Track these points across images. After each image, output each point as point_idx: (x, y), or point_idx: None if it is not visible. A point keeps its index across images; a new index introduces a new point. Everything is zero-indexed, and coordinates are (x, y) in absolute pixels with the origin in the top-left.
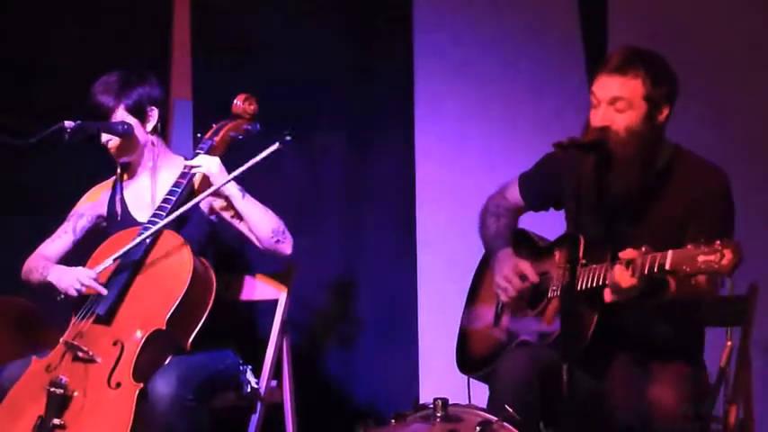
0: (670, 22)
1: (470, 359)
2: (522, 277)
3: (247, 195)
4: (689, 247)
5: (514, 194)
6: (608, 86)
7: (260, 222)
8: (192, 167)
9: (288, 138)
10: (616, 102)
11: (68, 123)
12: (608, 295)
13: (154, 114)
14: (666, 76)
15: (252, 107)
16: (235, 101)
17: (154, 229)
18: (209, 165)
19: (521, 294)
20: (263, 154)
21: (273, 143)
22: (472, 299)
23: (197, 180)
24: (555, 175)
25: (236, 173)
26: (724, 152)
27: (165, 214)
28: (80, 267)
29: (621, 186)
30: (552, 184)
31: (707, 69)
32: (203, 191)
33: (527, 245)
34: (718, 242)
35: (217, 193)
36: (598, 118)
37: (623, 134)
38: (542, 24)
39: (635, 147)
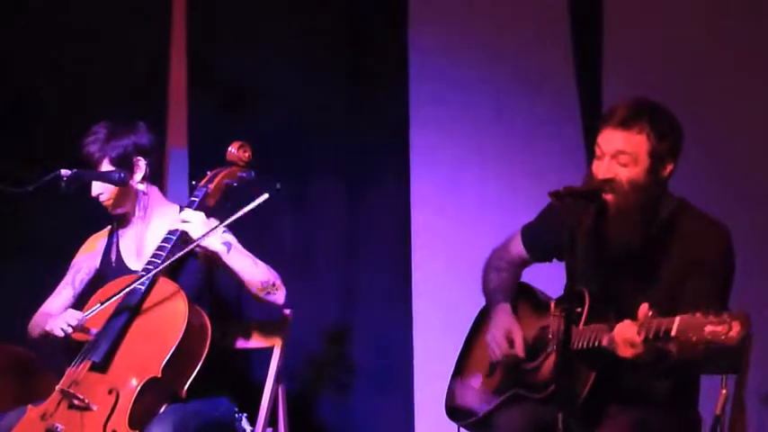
0: (665, 72)
1: (461, 407)
2: (510, 342)
3: (234, 249)
4: (697, 315)
5: (518, 247)
6: (612, 140)
7: (249, 276)
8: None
9: (278, 187)
10: (619, 155)
11: (65, 172)
12: (607, 344)
13: (141, 165)
14: (672, 131)
15: (246, 154)
16: (229, 148)
17: (146, 276)
18: (193, 222)
19: (506, 359)
20: (253, 204)
21: (262, 193)
22: (468, 347)
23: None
24: (557, 226)
25: (224, 222)
26: (723, 202)
27: (155, 269)
28: (69, 309)
29: (621, 240)
30: (554, 234)
31: (702, 121)
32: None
33: (529, 299)
34: (727, 314)
35: (203, 249)
36: (602, 170)
37: (626, 186)
38: (538, 74)
39: (636, 199)
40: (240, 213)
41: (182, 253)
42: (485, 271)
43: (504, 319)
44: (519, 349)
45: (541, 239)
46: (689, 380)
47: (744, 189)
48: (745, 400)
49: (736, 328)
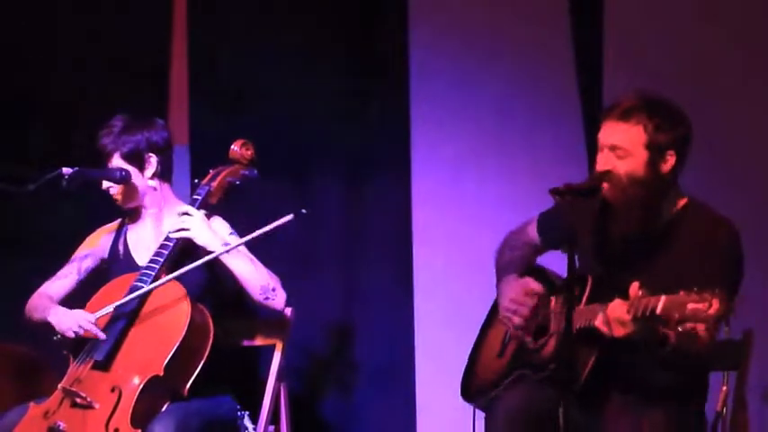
0: (666, 70)
1: (473, 387)
2: (531, 294)
3: (234, 251)
4: (681, 293)
5: (533, 231)
6: (610, 133)
7: (248, 279)
8: (178, 228)
9: (303, 211)
10: (616, 149)
11: (66, 170)
12: (600, 323)
13: (152, 161)
14: (673, 123)
15: (249, 152)
16: (232, 146)
17: (153, 286)
18: (194, 227)
19: (535, 314)
20: (276, 224)
21: (288, 214)
22: (485, 329)
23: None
24: (569, 217)
25: (245, 239)
26: (724, 201)
27: (158, 267)
28: (79, 310)
29: (622, 233)
30: (566, 225)
31: (703, 120)
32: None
33: (540, 279)
34: (708, 292)
35: (202, 248)
36: (600, 162)
37: (624, 179)
38: (539, 71)
39: (635, 192)
40: (263, 231)
41: (195, 265)
42: (499, 250)
43: (516, 283)
44: (538, 287)
45: (554, 228)
46: (695, 376)
47: (746, 189)
48: (746, 397)
49: (714, 306)
